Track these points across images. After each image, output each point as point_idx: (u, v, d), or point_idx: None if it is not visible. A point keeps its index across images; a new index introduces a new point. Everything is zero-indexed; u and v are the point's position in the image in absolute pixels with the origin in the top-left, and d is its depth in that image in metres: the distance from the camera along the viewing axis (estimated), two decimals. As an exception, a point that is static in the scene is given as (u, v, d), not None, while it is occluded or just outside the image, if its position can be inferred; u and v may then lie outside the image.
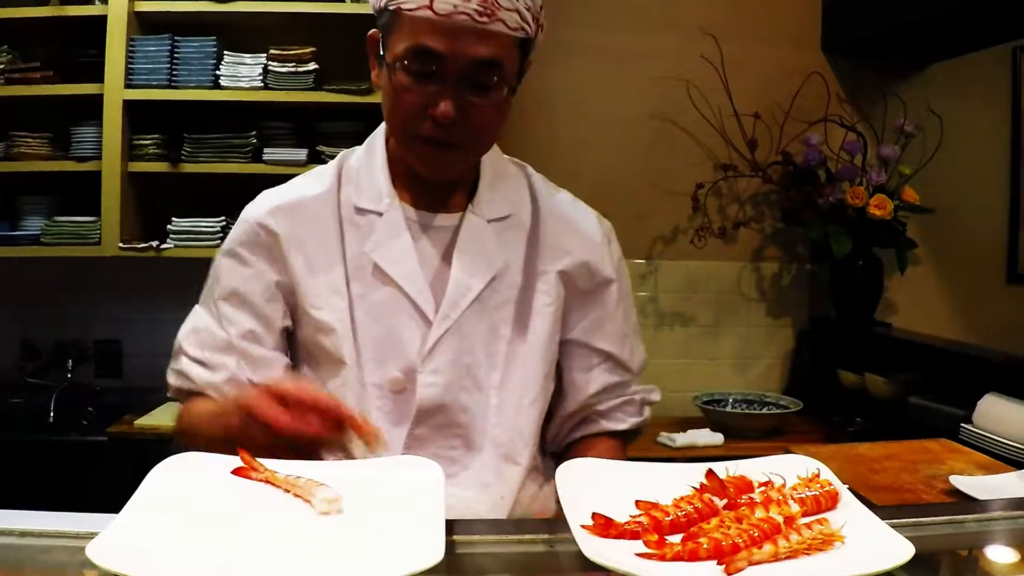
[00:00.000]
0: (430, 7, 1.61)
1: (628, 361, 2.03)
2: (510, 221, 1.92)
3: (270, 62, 4.18)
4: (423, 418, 1.81)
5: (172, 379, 1.93)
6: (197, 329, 1.91)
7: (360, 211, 1.86)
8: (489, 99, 1.71)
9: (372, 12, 1.79)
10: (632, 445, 2.13)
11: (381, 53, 1.75)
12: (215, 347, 1.86)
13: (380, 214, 1.84)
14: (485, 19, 1.62)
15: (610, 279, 2.00)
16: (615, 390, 2.02)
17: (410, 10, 1.63)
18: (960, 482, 2.21)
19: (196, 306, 1.97)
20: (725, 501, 1.28)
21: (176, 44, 4.19)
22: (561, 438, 2.07)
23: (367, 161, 1.92)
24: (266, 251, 1.86)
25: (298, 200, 1.89)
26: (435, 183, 1.86)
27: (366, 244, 1.83)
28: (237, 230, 1.91)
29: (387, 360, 1.82)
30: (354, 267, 1.83)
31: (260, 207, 1.91)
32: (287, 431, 1.49)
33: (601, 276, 1.98)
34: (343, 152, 2.01)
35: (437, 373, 1.81)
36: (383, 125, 1.93)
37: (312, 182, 1.94)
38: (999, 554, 1.42)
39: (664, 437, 3.99)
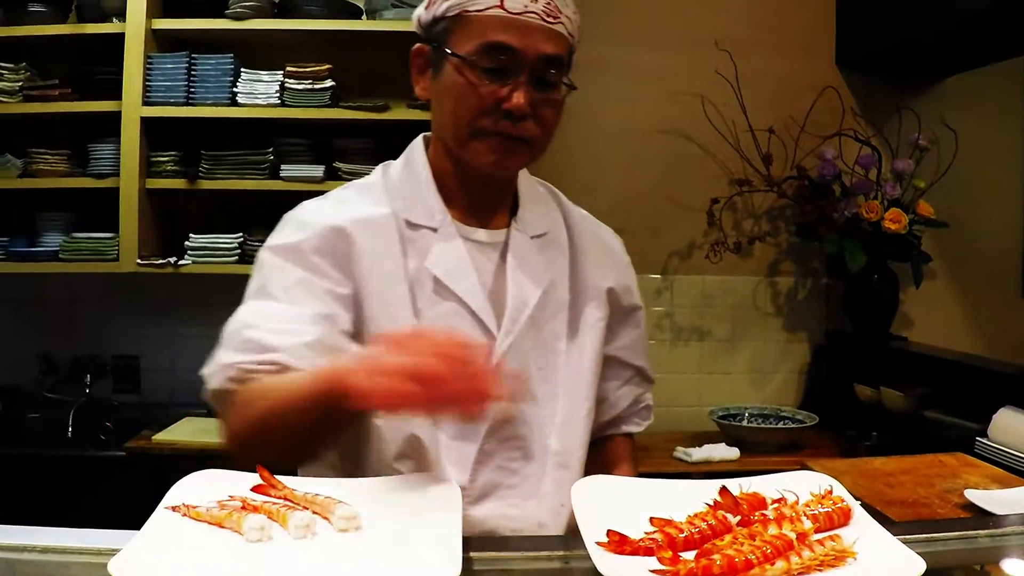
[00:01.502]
0: (501, 6, 1.68)
1: (651, 375, 2.13)
2: (548, 238, 1.95)
3: (287, 79, 4.20)
4: (492, 432, 1.81)
5: (235, 356, 1.67)
6: (261, 308, 1.73)
7: (413, 226, 1.84)
8: (554, 97, 1.77)
9: (415, 29, 1.84)
10: (648, 460, 2.18)
11: (438, 58, 1.77)
12: (290, 318, 1.68)
13: (434, 229, 1.84)
14: (551, 20, 1.70)
15: (639, 304, 2.08)
16: (638, 400, 2.12)
17: (480, 10, 1.69)
18: (975, 496, 2.21)
19: (241, 307, 1.79)
20: (739, 518, 1.29)
21: (193, 61, 4.21)
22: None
23: (409, 176, 1.92)
24: (338, 259, 1.77)
25: (364, 215, 1.83)
26: (475, 192, 1.88)
27: (427, 259, 1.82)
28: (303, 231, 1.80)
29: None
30: (416, 282, 1.81)
31: (324, 214, 1.83)
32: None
33: (634, 297, 2.07)
34: (381, 166, 2.00)
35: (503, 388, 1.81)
36: (419, 140, 1.96)
37: (364, 197, 1.89)
38: (1013, 568, 1.42)
39: (680, 452, 3.98)
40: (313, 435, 1.55)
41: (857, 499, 1.37)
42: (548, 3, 1.69)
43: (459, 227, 1.86)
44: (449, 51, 1.73)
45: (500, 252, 1.89)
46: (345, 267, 1.77)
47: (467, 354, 1.36)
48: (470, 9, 1.69)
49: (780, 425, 4.27)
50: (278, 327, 1.66)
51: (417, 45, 1.84)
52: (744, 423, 4.28)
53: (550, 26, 1.70)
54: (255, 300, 1.76)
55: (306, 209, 1.88)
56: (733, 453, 4.02)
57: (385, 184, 1.92)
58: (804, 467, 2.32)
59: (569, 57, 1.80)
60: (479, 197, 1.88)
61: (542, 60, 1.71)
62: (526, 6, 1.67)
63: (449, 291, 1.80)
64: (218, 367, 1.68)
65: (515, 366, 1.82)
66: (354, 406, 1.38)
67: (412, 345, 1.37)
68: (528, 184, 2.00)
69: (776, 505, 1.33)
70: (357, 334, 1.75)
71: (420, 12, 1.81)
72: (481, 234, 1.88)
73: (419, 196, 1.88)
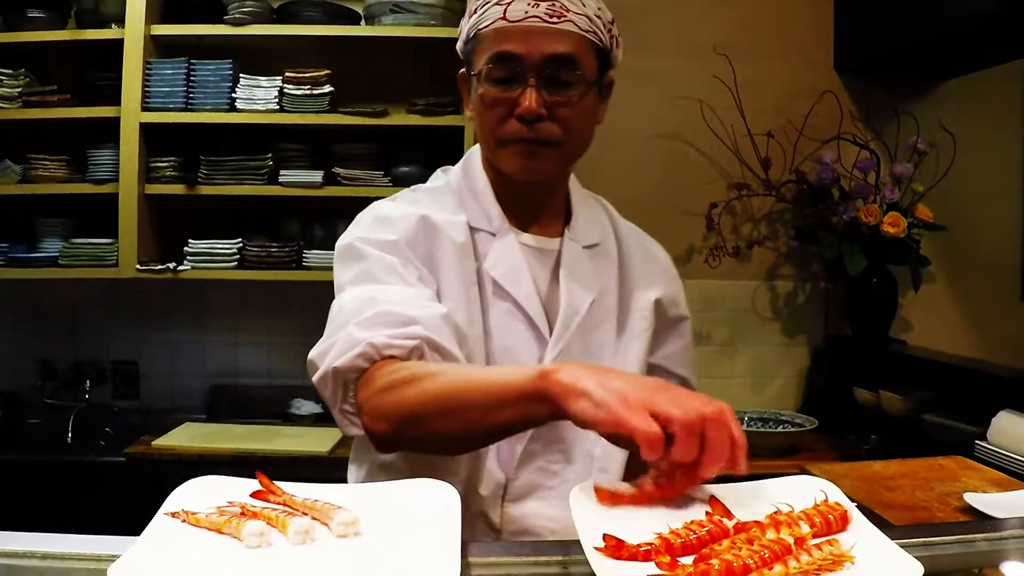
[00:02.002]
0: (504, 17, 1.74)
1: (694, 384, 2.13)
2: (600, 248, 2.00)
3: (285, 85, 4.21)
4: (538, 433, 1.83)
5: (369, 331, 1.61)
6: (374, 292, 1.70)
7: (475, 230, 1.90)
8: (570, 95, 1.78)
9: (460, 56, 1.91)
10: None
11: (470, 82, 1.85)
12: (410, 296, 1.70)
13: (493, 234, 1.90)
14: (555, 20, 1.73)
15: (686, 315, 2.13)
16: None
17: (486, 26, 1.76)
18: (974, 499, 2.21)
19: (339, 296, 1.77)
20: (735, 521, 1.29)
21: (192, 67, 4.22)
22: None
23: (467, 183, 1.96)
24: (426, 254, 1.82)
25: (448, 218, 1.88)
26: (528, 198, 1.93)
27: (486, 262, 1.87)
28: (392, 225, 1.83)
29: None
30: (478, 284, 1.87)
31: (418, 210, 1.85)
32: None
33: (680, 308, 2.11)
34: (439, 172, 2.05)
35: None
36: (476, 148, 1.99)
37: (438, 201, 1.93)
38: (1012, 572, 1.42)
39: (680, 456, 3.98)
40: (501, 430, 1.52)
41: (855, 502, 1.37)
42: (552, 5, 1.73)
43: (516, 233, 1.91)
44: (468, 71, 1.82)
45: (554, 259, 1.93)
46: (431, 262, 1.83)
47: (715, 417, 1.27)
48: (481, 28, 1.77)
49: (779, 429, 4.27)
50: (409, 301, 1.66)
51: (460, 71, 1.92)
52: (744, 427, 4.27)
53: (554, 26, 1.73)
54: (363, 285, 1.74)
55: (386, 207, 1.90)
56: (733, 457, 4.01)
57: (450, 188, 1.97)
58: (803, 471, 2.33)
59: (597, 55, 1.82)
60: (528, 203, 1.93)
61: (547, 61, 1.74)
62: (527, 12, 1.72)
63: (507, 294, 1.86)
64: (345, 343, 1.61)
65: None
66: (562, 417, 1.35)
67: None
68: (581, 195, 2.06)
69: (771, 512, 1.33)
70: None
71: (459, 46, 1.90)
72: (536, 240, 1.93)
73: (478, 201, 1.93)
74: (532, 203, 1.94)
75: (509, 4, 1.74)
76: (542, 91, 1.75)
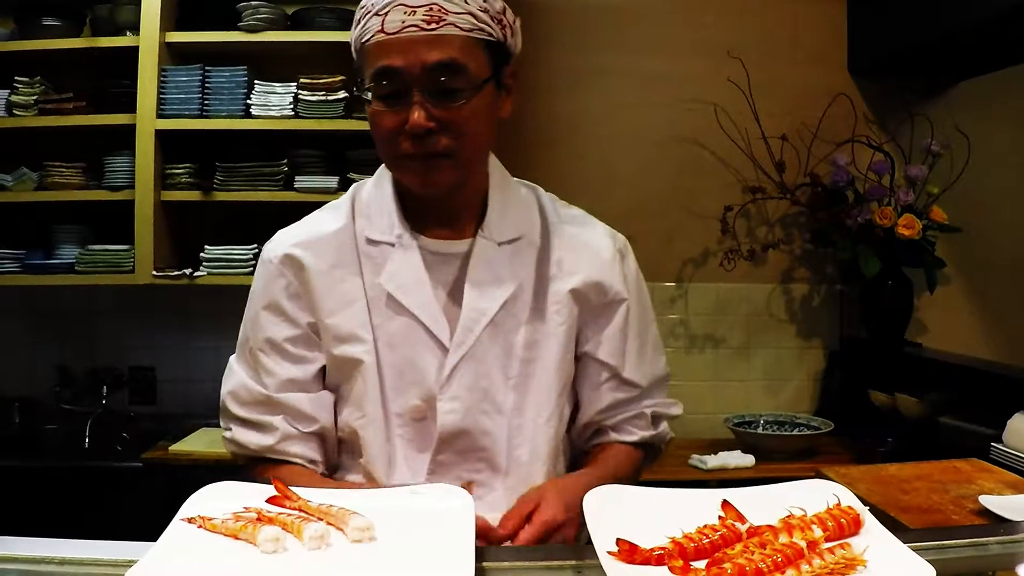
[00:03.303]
0: (382, 30, 1.69)
1: (635, 378, 2.01)
2: (521, 243, 1.93)
3: (300, 91, 4.22)
4: (445, 444, 1.83)
5: (228, 447, 1.96)
6: (236, 388, 1.92)
7: (373, 243, 1.89)
8: (457, 102, 1.73)
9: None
10: (663, 466, 2.13)
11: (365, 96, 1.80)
12: (257, 404, 1.89)
13: (392, 245, 1.88)
14: (433, 25, 1.68)
15: (622, 296, 1.99)
16: (622, 406, 2.01)
17: (368, 39, 1.72)
18: (990, 502, 2.20)
19: (231, 359, 1.99)
20: (748, 525, 1.29)
21: (207, 74, 4.23)
22: (578, 447, 2.08)
23: (377, 193, 1.96)
24: (293, 292, 1.89)
25: (318, 235, 1.92)
26: (436, 203, 1.89)
27: (380, 275, 1.86)
28: (263, 275, 1.94)
29: (407, 389, 1.85)
30: (372, 298, 1.86)
31: (281, 244, 1.94)
32: None
33: (612, 293, 1.98)
34: (354, 185, 2.04)
35: (456, 399, 1.83)
36: None
37: (328, 217, 1.97)
38: (1025, 576, 1.42)
39: (695, 459, 3.99)
40: None
41: (869, 505, 1.37)
42: (428, 10, 1.68)
43: (421, 240, 1.89)
44: (355, 87, 1.79)
45: (464, 262, 1.89)
46: (301, 295, 1.89)
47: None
48: (364, 40, 1.73)
49: (795, 432, 4.27)
50: (252, 416, 1.90)
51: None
52: (759, 430, 4.29)
53: (432, 33, 1.68)
54: (236, 363, 1.99)
55: (270, 244, 1.99)
56: (748, 460, 4.02)
57: (353, 202, 1.97)
58: (819, 474, 2.33)
59: (488, 50, 1.78)
60: (436, 210, 1.90)
61: (429, 71, 1.70)
62: (403, 22, 1.67)
63: (402, 307, 1.84)
64: (224, 439, 1.98)
65: (472, 379, 1.84)
66: None
67: None
68: (503, 188, 1.98)
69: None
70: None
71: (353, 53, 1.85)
72: (443, 246, 1.90)
73: (382, 212, 1.92)
74: (441, 209, 1.90)
75: (386, 15, 1.69)
76: (429, 103, 1.71)
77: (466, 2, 1.71)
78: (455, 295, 1.87)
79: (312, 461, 1.90)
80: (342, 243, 1.90)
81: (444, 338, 1.83)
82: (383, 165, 1.97)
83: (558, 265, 1.95)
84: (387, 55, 1.69)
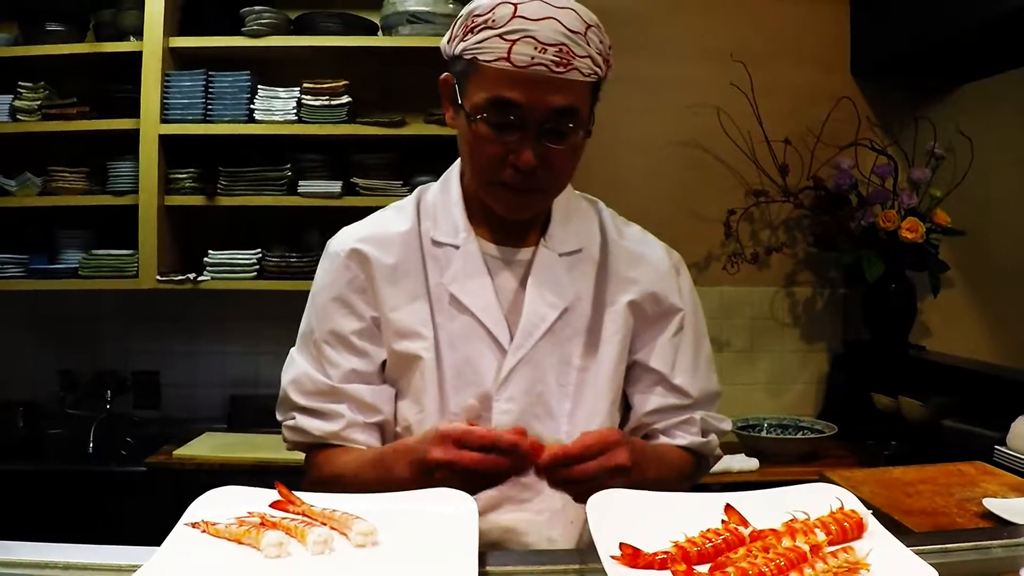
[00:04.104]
0: (508, 59, 1.66)
1: (685, 386, 2.01)
2: (581, 255, 1.96)
3: (303, 96, 4.23)
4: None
5: (290, 435, 1.95)
6: (299, 377, 1.93)
7: (438, 244, 1.92)
8: (566, 145, 1.75)
9: (444, 57, 1.85)
10: None
11: (457, 99, 1.79)
12: (321, 394, 1.90)
13: (457, 247, 1.90)
14: (561, 69, 1.67)
15: (677, 307, 2.03)
16: (671, 412, 2.01)
17: (488, 62, 1.69)
18: (994, 505, 2.20)
19: (292, 351, 2.01)
20: (751, 529, 1.30)
21: (210, 79, 4.24)
22: None
23: (443, 197, 1.98)
24: (359, 286, 1.91)
25: (384, 233, 1.94)
26: (512, 221, 1.91)
27: (444, 276, 1.88)
28: (329, 269, 1.96)
29: (464, 388, 1.87)
30: (435, 297, 1.89)
31: (348, 239, 1.97)
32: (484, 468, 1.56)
33: (668, 304, 2.01)
34: (419, 188, 2.06)
35: (511, 401, 1.85)
36: (458, 162, 2.00)
37: (394, 216, 2.00)
38: (1028, 579, 1.42)
39: (699, 462, 3.99)
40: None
41: (873, 508, 1.37)
42: (559, 51, 1.66)
43: (484, 245, 1.92)
44: (461, 102, 1.77)
45: (525, 269, 1.92)
46: (367, 290, 1.91)
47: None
48: (480, 58, 1.70)
49: (799, 435, 4.27)
50: (316, 405, 1.90)
51: (445, 75, 1.86)
52: (763, 434, 4.29)
53: (559, 76, 1.67)
54: (297, 354, 1.99)
55: (336, 239, 2.01)
56: (752, 464, 4.02)
57: (418, 204, 2.00)
58: (823, 477, 2.33)
59: (594, 93, 1.81)
60: (506, 221, 1.92)
61: (551, 114, 1.70)
62: (533, 58, 1.65)
63: (464, 307, 1.86)
64: (286, 428, 1.96)
65: (528, 383, 1.86)
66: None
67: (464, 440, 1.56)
68: (567, 201, 2.01)
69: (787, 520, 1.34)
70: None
71: (444, 43, 1.84)
72: (507, 252, 1.93)
73: (448, 216, 1.94)
74: (508, 221, 1.92)
75: (514, 42, 1.66)
76: (542, 139, 1.72)
77: (588, 44, 1.71)
78: (515, 301, 1.90)
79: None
80: (408, 242, 1.93)
81: (504, 340, 1.86)
82: (450, 170, 2.03)
83: (616, 278, 1.98)
84: (510, 87, 1.68)
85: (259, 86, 4.26)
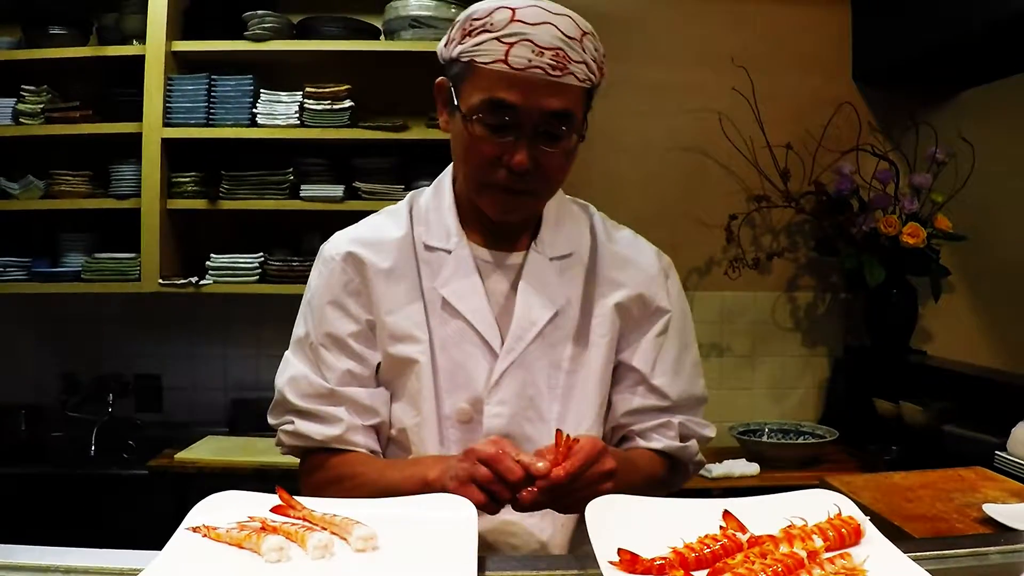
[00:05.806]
0: (505, 61, 1.67)
1: (664, 387, 2.00)
2: (571, 259, 1.97)
3: (306, 99, 4.24)
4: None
5: (287, 439, 1.95)
6: (295, 378, 1.93)
7: (430, 249, 1.92)
8: (559, 148, 1.77)
9: (440, 61, 1.85)
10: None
11: (454, 101, 1.80)
12: (320, 396, 1.90)
13: (449, 252, 1.91)
14: (558, 73, 1.68)
15: (664, 309, 2.02)
16: (650, 413, 2.00)
17: (485, 63, 1.70)
18: (994, 510, 2.20)
19: (287, 353, 2.00)
20: (749, 535, 1.30)
21: (213, 83, 4.25)
22: None
23: (435, 202, 1.99)
24: (354, 289, 1.92)
25: (378, 237, 1.95)
26: (501, 224, 1.91)
27: (436, 280, 1.89)
28: (323, 272, 1.97)
29: (456, 391, 1.88)
30: (428, 301, 1.90)
31: (342, 243, 1.97)
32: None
33: (655, 306, 2.01)
34: (412, 193, 2.07)
35: (503, 404, 1.86)
36: (450, 167, 2.00)
37: (387, 221, 2.00)
38: (1027, 585, 1.42)
39: (700, 467, 3.99)
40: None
41: (871, 514, 1.37)
42: (556, 54, 1.68)
43: (476, 250, 1.93)
44: (456, 103, 1.77)
45: (516, 273, 1.93)
46: (362, 292, 1.92)
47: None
48: (477, 60, 1.71)
49: (800, 440, 4.27)
50: (315, 408, 1.89)
51: (440, 79, 1.86)
52: (764, 439, 4.29)
53: (556, 80, 1.69)
54: (292, 356, 1.98)
55: (330, 242, 2.01)
56: (753, 469, 4.02)
57: (411, 209, 2.00)
58: (823, 483, 2.33)
59: (587, 98, 1.81)
60: (497, 226, 1.92)
61: (546, 116, 1.71)
62: (530, 60, 1.66)
63: (456, 311, 1.88)
64: (283, 433, 1.96)
65: (519, 386, 1.87)
66: None
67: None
68: (558, 205, 2.01)
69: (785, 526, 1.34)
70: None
71: (441, 47, 1.84)
72: (498, 256, 1.93)
73: (440, 221, 1.95)
74: (499, 225, 1.93)
75: (512, 45, 1.67)
76: (536, 141, 1.74)
77: (583, 50, 1.72)
78: (507, 304, 1.91)
79: (374, 452, 1.92)
80: (402, 247, 1.93)
81: (495, 344, 1.87)
82: (442, 175, 2.03)
83: (604, 281, 1.99)
84: (506, 89, 1.69)
85: (261, 90, 4.26)
